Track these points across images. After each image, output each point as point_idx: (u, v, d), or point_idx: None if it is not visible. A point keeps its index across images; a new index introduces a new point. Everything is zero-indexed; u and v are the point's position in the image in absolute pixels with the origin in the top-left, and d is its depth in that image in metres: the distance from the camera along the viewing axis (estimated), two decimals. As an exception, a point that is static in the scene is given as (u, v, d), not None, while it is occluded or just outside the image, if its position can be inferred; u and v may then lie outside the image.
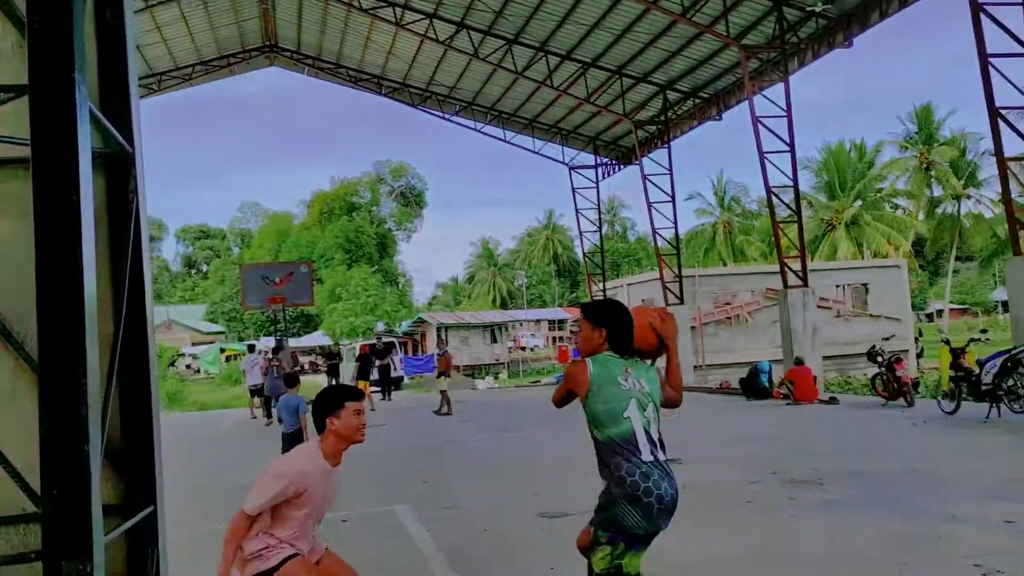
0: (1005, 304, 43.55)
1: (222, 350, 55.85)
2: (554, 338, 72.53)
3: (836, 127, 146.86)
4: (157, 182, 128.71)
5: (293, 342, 52.55)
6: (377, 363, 23.42)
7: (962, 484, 7.61)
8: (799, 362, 16.44)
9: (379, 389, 23.91)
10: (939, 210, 50.85)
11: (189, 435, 17.67)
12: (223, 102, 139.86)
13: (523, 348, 61.09)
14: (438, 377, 19.13)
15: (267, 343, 33.23)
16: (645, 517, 3.28)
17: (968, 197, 48.55)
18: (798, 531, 6.30)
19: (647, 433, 3.40)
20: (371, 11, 22.93)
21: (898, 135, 50.77)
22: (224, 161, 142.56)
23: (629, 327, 3.61)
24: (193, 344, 64.46)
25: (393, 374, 29.05)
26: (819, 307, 31.20)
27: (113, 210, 2.45)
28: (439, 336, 43.24)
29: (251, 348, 22.33)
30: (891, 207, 52.66)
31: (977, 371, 12.02)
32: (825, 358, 30.99)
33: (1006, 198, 13.04)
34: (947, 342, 13.02)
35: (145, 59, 24.92)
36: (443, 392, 18.61)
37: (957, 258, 56.34)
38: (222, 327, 66.31)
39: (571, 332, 66.07)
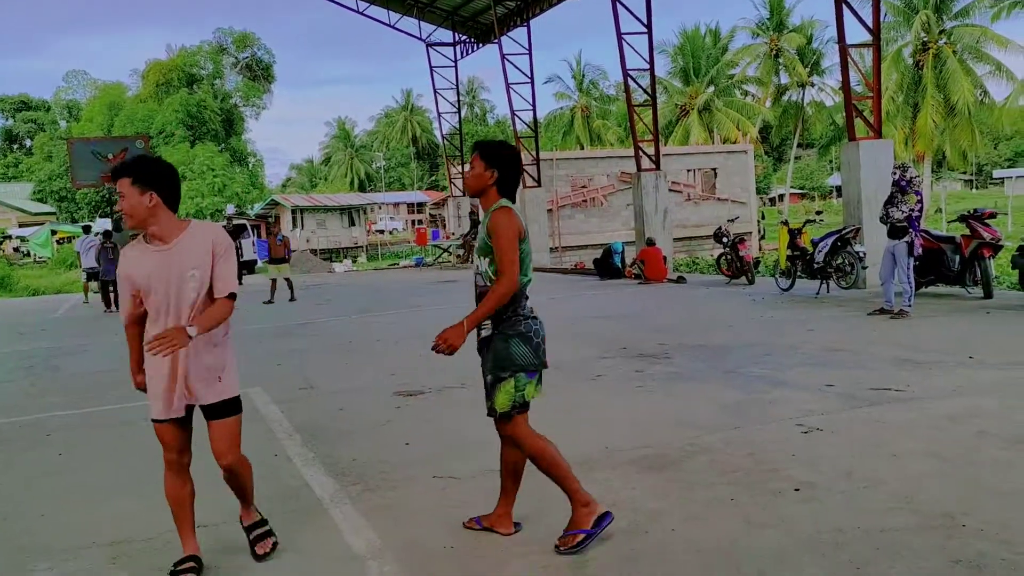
0: (839, 189, 46.47)
1: (53, 232, 51.99)
2: (413, 221, 72.07)
3: (694, 11, 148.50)
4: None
5: (134, 224, 49.47)
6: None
7: (791, 354, 8.19)
8: (650, 243, 17.04)
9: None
10: (785, 97, 52.96)
11: (20, 322, 16.53)
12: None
13: (382, 232, 60.38)
14: (269, 263, 17.95)
15: (103, 224, 31.16)
16: (536, 355, 3.70)
17: (812, 85, 50.75)
18: (643, 401, 6.61)
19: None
20: None
21: (751, 20, 51.92)
22: (44, 25, 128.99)
23: (519, 170, 3.72)
24: (20, 226, 59.62)
25: (244, 258, 28.08)
26: (671, 190, 32.31)
27: None
28: (268, 221, 41.93)
29: (86, 229, 20.82)
30: (741, 94, 54.41)
31: (811, 250, 12.84)
32: (675, 240, 32.38)
33: (845, 85, 13.65)
34: (786, 223, 13.79)
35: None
36: (272, 280, 17.30)
37: (799, 145, 59.34)
38: (52, 207, 61.52)
39: (430, 215, 65.74)
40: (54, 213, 61.25)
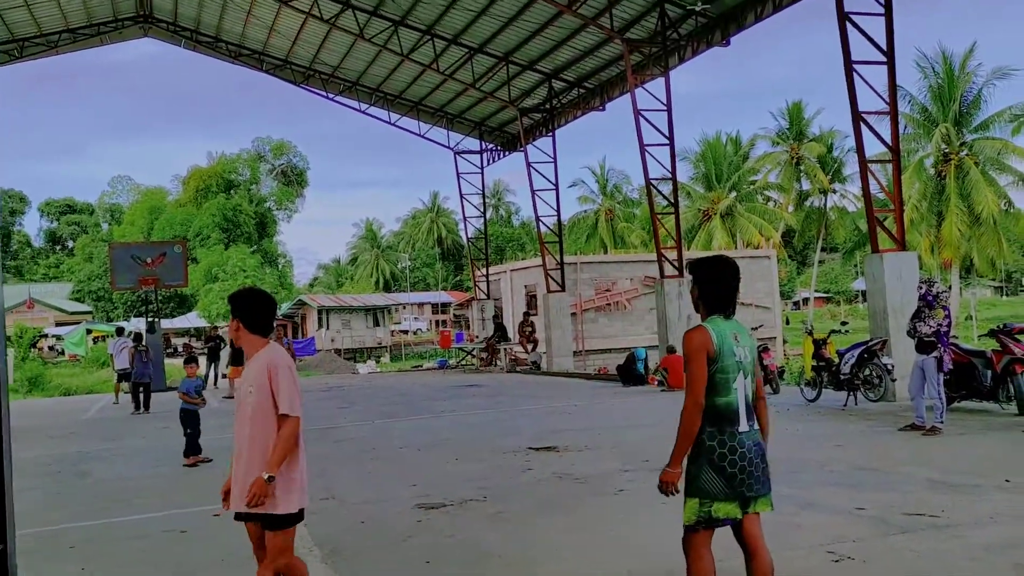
0: (864, 293, 46.30)
1: (89, 331, 52.92)
2: (437, 322, 72.53)
3: (715, 118, 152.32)
4: (19, 152, 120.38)
5: (166, 323, 50.35)
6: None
7: (819, 471, 8.06)
8: (671, 350, 16.99)
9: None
10: (807, 203, 53.49)
11: (50, 423, 16.68)
12: (93, 70, 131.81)
13: (406, 332, 60.80)
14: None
15: (138, 324, 31.71)
16: (729, 485, 3.54)
17: (833, 191, 51.40)
18: (666, 519, 6.50)
19: (745, 402, 3.61)
20: (252, -17, 22.11)
21: (771, 130, 53.06)
22: (93, 133, 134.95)
23: (728, 283, 3.72)
24: (57, 324, 60.83)
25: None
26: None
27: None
28: (295, 322, 42.30)
29: (119, 331, 21.18)
30: (763, 199, 55.09)
31: (837, 361, 12.75)
32: (699, 344, 32.22)
33: (866, 198, 13.85)
34: (810, 333, 13.75)
35: (5, 22, 23.18)
36: None
37: (822, 249, 59.61)
38: (89, 307, 62.82)
39: (454, 316, 66.18)
40: (91, 312, 62.50)
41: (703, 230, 49.65)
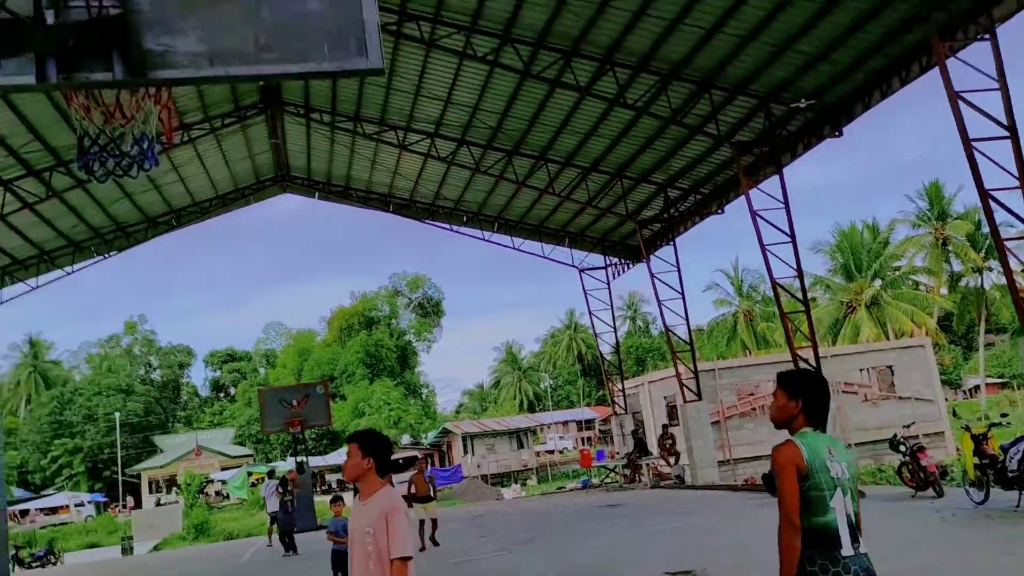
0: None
1: (249, 474, 55.45)
2: (583, 439, 71.51)
3: (845, 206, 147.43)
4: (183, 310, 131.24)
5: (320, 461, 52.16)
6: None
7: (984, 584, 7.26)
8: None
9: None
10: (962, 284, 50.38)
11: (210, 569, 17.40)
12: (243, 228, 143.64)
13: (551, 451, 60.21)
14: (410, 504, 16.64)
15: (290, 464, 32.99)
16: None
17: (990, 269, 48.17)
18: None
19: (849, 523, 3.44)
20: (375, 136, 23.75)
21: (909, 213, 50.94)
22: (247, 284, 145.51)
23: (827, 399, 3.66)
24: (222, 469, 64.14)
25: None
26: (844, 392, 30.76)
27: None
28: (441, 450, 42.67)
29: (270, 474, 22.14)
30: (912, 284, 52.34)
31: (1001, 457, 11.63)
32: (856, 444, 30.22)
33: (1008, 278, 12.93)
34: (967, 428, 12.67)
35: (164, 197, 25.81)
36: (420, 522, 15.28)
37: (988, 331, 55.51)
38: (250, 450, 66.11)
39: (600, 432, 65.12)
40: (251, 455, 65.74)
41: (848, 323, 47.45)
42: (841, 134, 18.26)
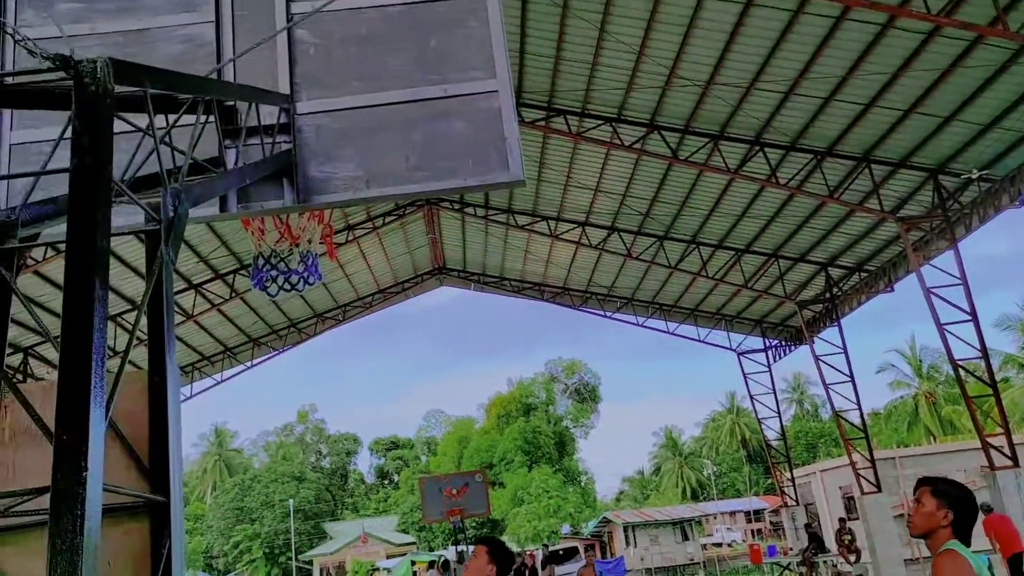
0: None
1: (413, 562, 56.13)
2: (752, 531, 67.69)
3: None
4: (351, 400, 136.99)
5: (480, 550, 51.97)
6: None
7: None
8: (988, 509, 14.16)
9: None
10: None
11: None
12: (405, 318, 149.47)
13: (719, 545, 57.35)
14: None
15: (452, 552, 33.13)
16: None
17: None
18: None
19: None
20: (527, 227, 24.40)
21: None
22: (409, 374, 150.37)
23: (976, 514, 3.48)
24: (387, 557, 65.27)
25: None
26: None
27: (154, 554, 2.73)
28: (602, 541, 41.38)
29: (431, 565, 22.34)
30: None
31: None
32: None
33: None
34: None
35: (331, 293, 27.45)
36: None
37: None
38: (413, 538, 67.05)
39: (771, 524, 61.49)
40: (415, 543, 66.65)
41: (1050, 404, 42.95)
42: (1022, 204, 16.99)
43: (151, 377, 2.80)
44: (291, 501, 67.50)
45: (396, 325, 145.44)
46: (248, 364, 28.58)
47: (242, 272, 22.31)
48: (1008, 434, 16.43)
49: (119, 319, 20.83)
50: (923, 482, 3.51)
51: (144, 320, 2.80)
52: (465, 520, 25.59)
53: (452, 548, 40.99)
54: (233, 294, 23.11)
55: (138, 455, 2.77)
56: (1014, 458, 16.18)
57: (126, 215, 3.20)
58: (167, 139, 3.06)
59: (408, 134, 3.95)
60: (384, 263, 27.28)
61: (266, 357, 28.89)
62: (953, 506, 3.37)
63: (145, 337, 2.86)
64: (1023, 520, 15.28)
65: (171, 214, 2.83)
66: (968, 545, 3.33)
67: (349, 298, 28.69)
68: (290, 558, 65.21)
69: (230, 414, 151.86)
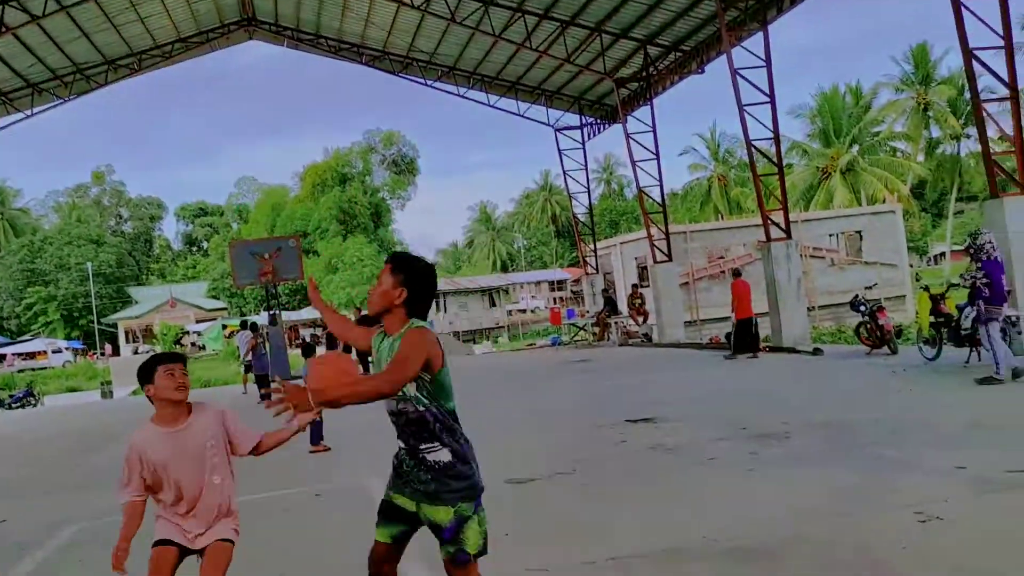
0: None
1: (224, 326, 56.09)
2: (555, 299, 72.69)
3: (834, 70, 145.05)
4: (153, 161, 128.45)
5: (294, 315, 52.72)
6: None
7: (926, 431, 7.65)
8: (736, 274, 17.22)
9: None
10: (938, 151, 50.38)
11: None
12: (210, 78, 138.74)
13: (523, 311, 61.25)
14: None
15: (264, 318, 33.32)
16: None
17: (967, 137, 48.13)
18: (752, 487, 6.34)
19: None
20: (345, -22, 22.64)
21: (894, 76, 50.23)
22: (219, 137, 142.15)
23: (433, 291, 3.35)
24: (197, 321, 64.81)
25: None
26: (812, 256, 31.29)
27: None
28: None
29: (243, 324, 22.36)
30: (889, 151, 52.23)
31: (956, 316, 12.00)
32: (820, 308, 31.02)
33: (982, 139, 12.93)
34: (926, 288, 12.98)
35: (123, 38, 24.68)
36: None
37: (959, 199, 55.99)
38: (224, 303, 66.58)
39: (572, 292, 66.13)
40: (225, 308, 66.26)
41: (822, 188, 47.63)
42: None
43: None
44: (89, 264, 64.22)
45: (204, 84, 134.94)
46: (28, 112, 25.70)
47: (12, 4, 19.44)
48: (786, 210, 18.12)
49: None
50: (388, 259, 3.30)
51: None
52: (279, 287, 25.55)
53: (265, 313, 41.20)
54: (3, 28, 20.21)
55: None
56: (788, 231, 17.98)
57: None
58: None
59: None
60: (183, 6, 24.56)
61: (49, 106, 26.05)
62: (408, 283, 3.19)
63: None
64: (790, 282, 17.30)
65: None
66: (424, 319, 3.27)
67: (145, 44, 25.91)
68: (91, 321, 63.08)
69: (11, 171, 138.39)
